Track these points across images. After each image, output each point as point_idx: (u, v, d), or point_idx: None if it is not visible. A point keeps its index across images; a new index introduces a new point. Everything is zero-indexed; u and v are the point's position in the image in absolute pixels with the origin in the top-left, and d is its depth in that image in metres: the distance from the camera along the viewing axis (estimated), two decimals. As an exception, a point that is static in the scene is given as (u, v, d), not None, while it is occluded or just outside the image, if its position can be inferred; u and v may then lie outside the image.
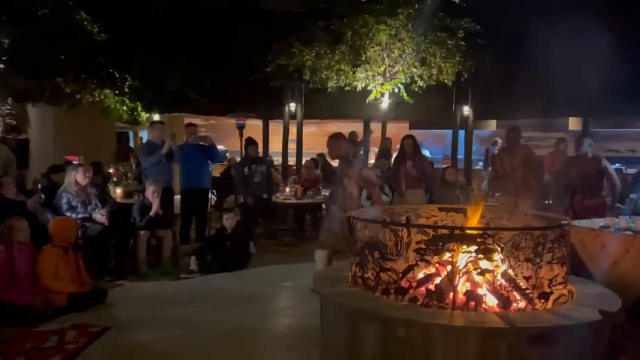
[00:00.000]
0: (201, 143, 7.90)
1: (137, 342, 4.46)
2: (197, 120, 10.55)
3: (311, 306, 4.57)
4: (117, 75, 11.01)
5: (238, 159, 9.92)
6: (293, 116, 12.72)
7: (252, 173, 8.13)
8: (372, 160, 12.30)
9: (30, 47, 10.00)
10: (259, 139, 10.95)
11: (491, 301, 3.55)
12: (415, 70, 10.56)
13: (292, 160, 13.29)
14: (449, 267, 3.54)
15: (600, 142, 15.24)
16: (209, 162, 8.11)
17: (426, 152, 10.77)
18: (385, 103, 10.95)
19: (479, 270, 3.56)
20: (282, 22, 11.94)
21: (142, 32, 11.21)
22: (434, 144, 18.18)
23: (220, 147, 8.99)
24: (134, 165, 10.88)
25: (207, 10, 13.62)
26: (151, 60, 11.29)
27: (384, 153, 10.67)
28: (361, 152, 10.09)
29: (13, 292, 4.83)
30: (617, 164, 11.94)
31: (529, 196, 6.55)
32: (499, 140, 12.14)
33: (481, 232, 3.64)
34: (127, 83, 11.14)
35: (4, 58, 10.25)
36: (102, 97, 11.22)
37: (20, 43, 10.07)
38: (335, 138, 5.75)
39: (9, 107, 11.48)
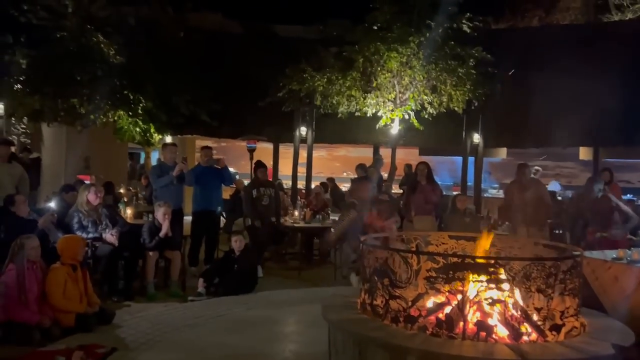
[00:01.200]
0: (214, 166, 7.98)
1: (143, 365, 4.44)
2: (208, 143, 10.64)
3: (318, 332, 4.53)
4: (131, 97, 11.15)
5: (246, 181, 9.96)
6: (303, 140, 12.78)
7: (260, 196, 8.12)
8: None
9: (46, 68, 10.20)
10: (269, 162, 11.02)
11: (502, 332, 3.51)
12: (425, 97, 10.62)
13: (301, 184, 13.31)
14: (459, 296, 3.51)
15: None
16: (221, 184, 8.18)
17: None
18: (395, 129, 10.99)
19: (489, 300, 3.53)
20: (294, 48, 12.10)
21: (156, 56, 11.40)
22: (443, 168, 18.11)
23: (231, 169, 9.03)
24: (144, 186, 10.96)
25: (221, 35, 13.86)
26: (165, 82, 11.45)
27: (409, 180, 10.40)
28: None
29: (22, 310, 4.83)
30: (629, 195, 11.83)
31: (540, 227, 6.59)
32: (540, 170, 12.01)
33: (492, 261, 3.62)
34: (141, 105, 11.27)
35: (21, 78, 10.45)
36: (115, 118, 11.36)
37: (37, 64, 10.28)
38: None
39: (24, 126, 11.66)
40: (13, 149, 10.01)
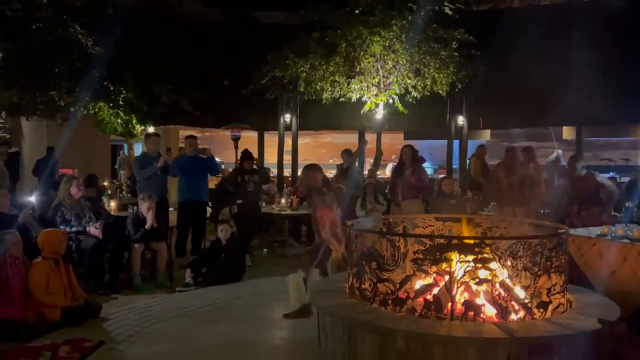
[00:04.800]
0: (200, 155, 7.90)
1: (132, 357, 4.39)
2: (192, 132, 10.48)
3: (308, 318, 4.53)
4: (112, 88, 10.97)
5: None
6: (288, 127, 12.69)
7: (245, 182, 8.05)
8: (366, 172, 12.29)
9: (23, 61, 9.97)
10: (254, 151, 10.93)
11: (490, 311, 3.52)
12: (409, 81, 10.59)
13: (287, 172, 13.25)
14: (446, 277, 3.51)
15: (594, 151, 15.36)
16: (207, 174, 8.10)
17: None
18: (379, 114, 10.96)
19: (477, 280, 3.54)
20: (276, 34, 11.98)
21: (136, 45, 11.21)
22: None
23: (216, 159, 8.94)
24: (127, 178, 10.84)
25: (201, 23, 13.67)
26: (145, 72, 11.27)
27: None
28: (357, 164, 10.09)
29: (6, 307, 4.75)
30: (611, 173, 11.98)
31: (527, 208, 6.64)
32: (560, 152, 11.91)
33: (479, 241, 3.62)
34: (122, 96, 11.10)
35: (-3, 72, 10.21)
36: (96, 110, 11.18)
37: (13, 57, 10.05)
38: (310, 169, 5.57)
39: (2, 120, 11.43)
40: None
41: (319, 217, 5.11)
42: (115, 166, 14.81)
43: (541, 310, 3.54)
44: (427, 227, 4.62)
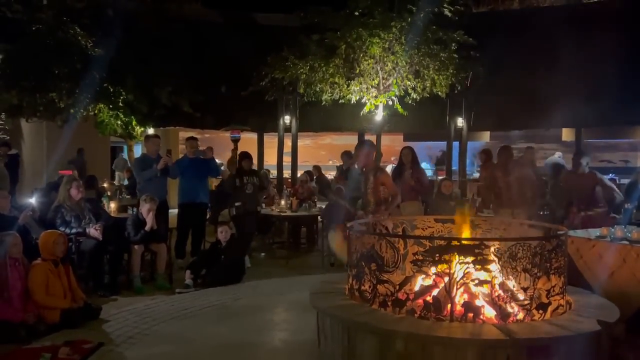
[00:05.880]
0: (200, 157, 7.91)
1: (131, 359, 4.39)
2: (191, 134, 10.47)
3: (307, 320, 4.53)
4: (111, 90, 10.97)
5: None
6: (288, 129, 12.72)
7: (244, 185, 8.04)
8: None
9: (23, 62, 9.99)
10: (253, 152, 10.95)
11: (489, 312, 3.53)
12: (408, 82, 10.60)
13: (287, 173, 13.27)
14: (446, 279, 3.52)
15: (593, 153, 15.37)
16: (207, 176, 8.11)
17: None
18: (379, 115, 10.98)
19: (476, 282, 3.54)
20: (276, 36, 12.00)
21: (136, 47, 11.22)
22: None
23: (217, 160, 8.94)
24: (126, 179, 10.86)
25: (201, 24, 13.69)
26: (145, 74, 11.28)
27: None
28: (356, 165, 10.09)
29: (6, 308, 4.76)
30: (610, 174, 11.97)
31: (525, 209, 6.63)
32: (560, 155, 11.80)
33: (478, 242, 3.63)
34: (121, 97, 11.10)
35: (-3, 73, 10.21)
36: (96, 111, 11.18)
37: (13, 58, 10.06)
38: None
39: (1, 122, 11.44)
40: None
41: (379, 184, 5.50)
42: (112, 167, 14.85)
43: (540, 311, 3.54)
44: (426, 228, 4.63)
